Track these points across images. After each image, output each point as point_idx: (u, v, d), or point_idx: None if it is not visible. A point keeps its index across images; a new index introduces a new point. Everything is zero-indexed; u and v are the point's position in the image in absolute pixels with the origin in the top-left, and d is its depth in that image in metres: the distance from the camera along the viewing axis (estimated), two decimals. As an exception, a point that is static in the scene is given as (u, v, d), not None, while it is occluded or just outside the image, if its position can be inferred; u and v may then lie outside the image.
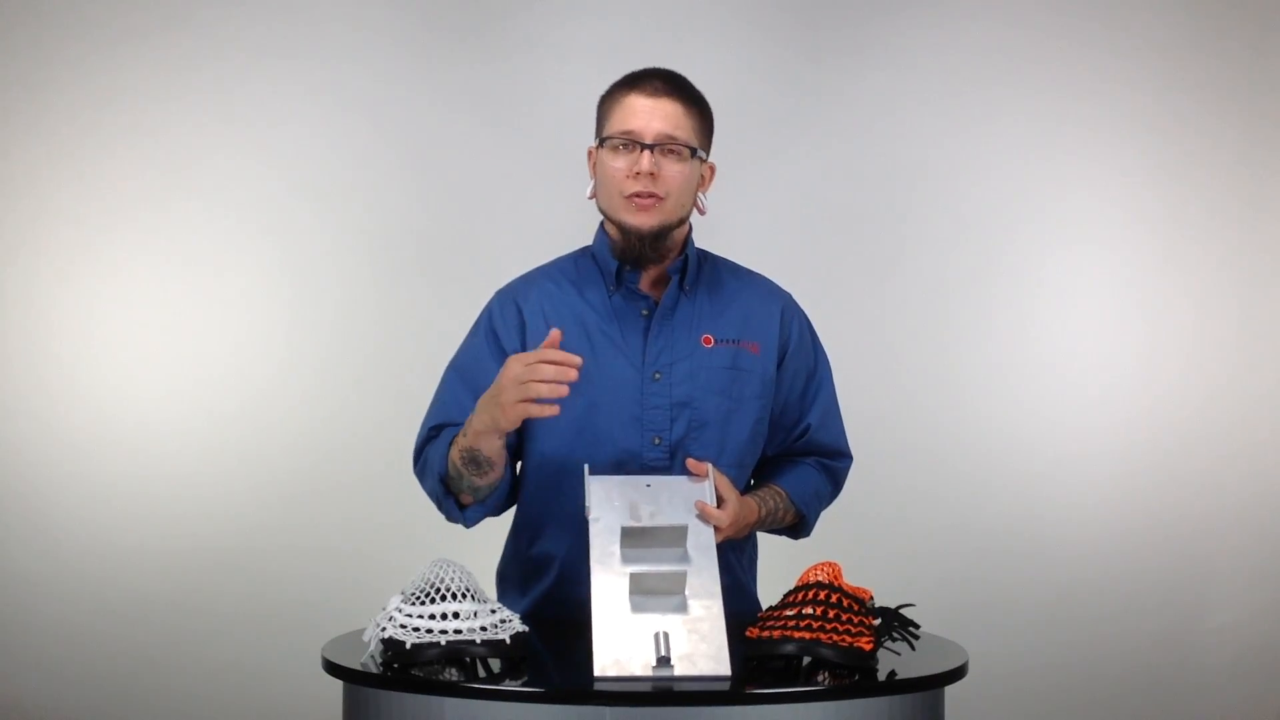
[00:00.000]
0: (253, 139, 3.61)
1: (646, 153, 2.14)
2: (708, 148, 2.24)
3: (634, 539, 1.93)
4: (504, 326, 2.23)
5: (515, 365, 1.94)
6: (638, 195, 2.15)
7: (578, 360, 1.92)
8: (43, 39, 3.58)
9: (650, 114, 2.15)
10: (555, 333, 1.96)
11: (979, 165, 3.73)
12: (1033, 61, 3.73)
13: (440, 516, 2.23)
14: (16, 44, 3.57)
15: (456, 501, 2.16)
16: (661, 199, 2.15)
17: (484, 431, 2.02)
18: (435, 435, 2.20)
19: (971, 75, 3.72)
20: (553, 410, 1.93)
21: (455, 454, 2.09)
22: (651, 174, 2.14)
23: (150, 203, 3.59)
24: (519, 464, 2.26)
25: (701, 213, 2.24)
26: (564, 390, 1.91)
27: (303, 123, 3.62)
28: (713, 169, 2.26)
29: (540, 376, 1.91)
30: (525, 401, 1.92)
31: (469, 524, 2.20)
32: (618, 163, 2.16)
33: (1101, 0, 3.74)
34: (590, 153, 2.24)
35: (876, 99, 3.72)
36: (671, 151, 2.15)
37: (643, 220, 2.16)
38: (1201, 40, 3.73)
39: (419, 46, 3.65)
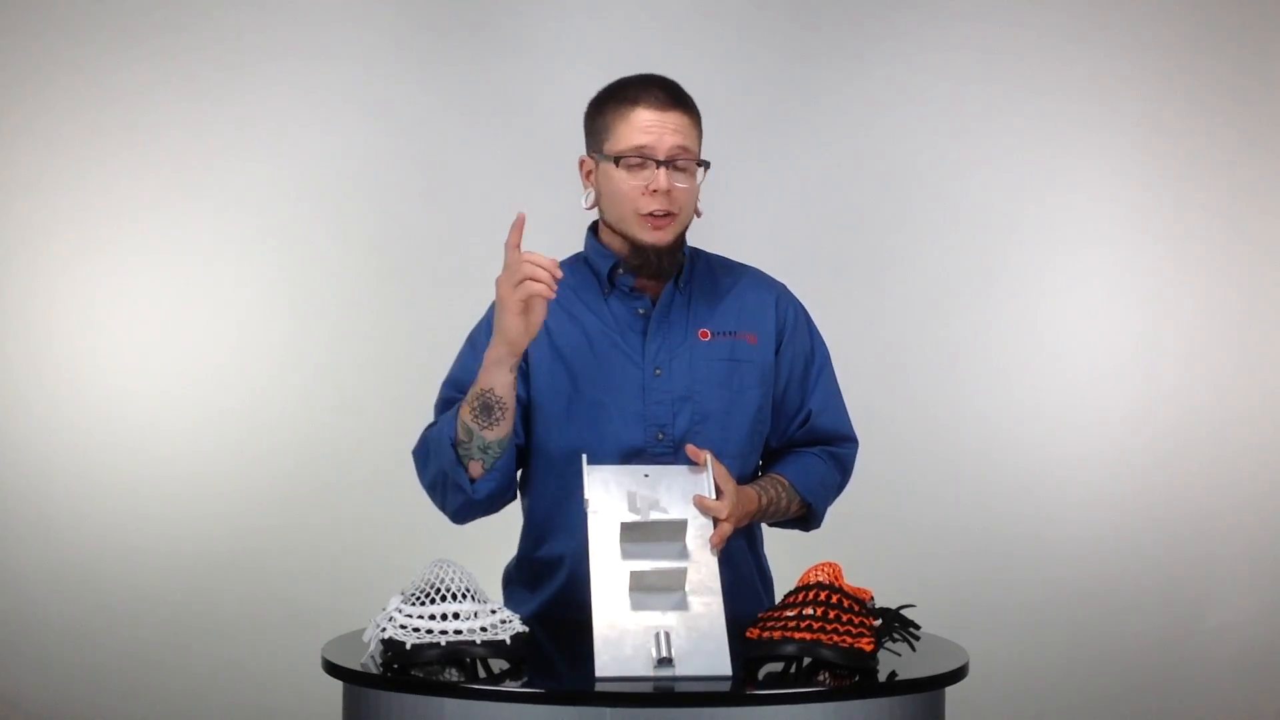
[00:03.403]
0: (251, 139, 3.61)
1: (663, 170, 2.13)
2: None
3: (633, 534, 1.93)
4: None
5: (504, 274, 2.01)
6: (653, 215, 2.15)
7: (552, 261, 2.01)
8: (43, 39, 3.57)
9: (661, 129, 2.14)
10: (520, 217, 2.01)
11: (979, 165, 3.73)
12: (1033, 61, 3.73)
13: (440, 517, 2.22)
14: (16, 44, 3.57)
15: (466, 470, 2.12)
16: (676, 215, 2.16)
17: (497, 360, 2.04)
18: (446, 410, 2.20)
19: (971, 75, 3.72)
20: (551, 292, 2.00)
21: (465, 410, 2.08)
22: (668, 191, 2.14)
23: (149, 202, 3.59)
24: (521, 469, 2.25)
25: (698, 215, 2.24)
26: (553, 290, 1.99)
27: (304, 123, 3.62)
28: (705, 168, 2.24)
29: (533, 260, 1.98)
30: (524, 282, 1.98)
31: (478, 496, 2.13)
32: (632, 180, 2.15)
33: (1101, 0, 3.74)
34: (583, 162, 2.23)
35: (877, 98, 3.72)
36: (682, 167, 2.15)
37: (660, 238, 2.17)
38: (1202, 40, 3.73)
39: (419, 48, 3.64)
